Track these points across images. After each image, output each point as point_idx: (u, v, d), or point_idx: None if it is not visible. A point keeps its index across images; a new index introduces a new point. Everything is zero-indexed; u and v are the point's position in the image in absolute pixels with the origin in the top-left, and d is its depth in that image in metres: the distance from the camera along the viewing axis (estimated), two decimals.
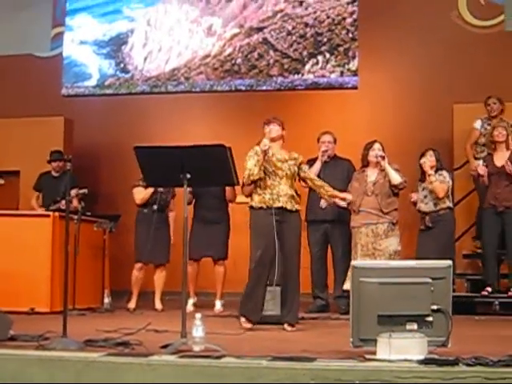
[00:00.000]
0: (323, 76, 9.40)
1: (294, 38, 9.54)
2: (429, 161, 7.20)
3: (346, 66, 9.30)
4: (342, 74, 9.33)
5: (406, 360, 3.52)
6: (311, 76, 9.44)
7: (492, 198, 7.44)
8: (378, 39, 9.67)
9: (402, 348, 3.61)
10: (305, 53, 9.48)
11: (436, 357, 3.57)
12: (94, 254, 7.92)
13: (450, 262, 3.95)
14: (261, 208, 5.86)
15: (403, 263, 4.45)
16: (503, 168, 7.31)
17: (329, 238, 7.63)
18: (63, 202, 7.90)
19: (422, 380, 3.27)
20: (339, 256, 7.52)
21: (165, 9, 10.24)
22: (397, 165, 6.96)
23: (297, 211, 5.91)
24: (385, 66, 9.87)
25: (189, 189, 4.64)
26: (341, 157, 7.79)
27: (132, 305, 7.71)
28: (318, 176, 6.73)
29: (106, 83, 10.20)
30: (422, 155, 7.26)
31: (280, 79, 9.54)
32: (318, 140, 7.67)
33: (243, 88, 9.70)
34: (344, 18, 9.42)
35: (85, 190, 7.89)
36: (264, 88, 9.63)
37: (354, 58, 9.31)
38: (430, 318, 3.84)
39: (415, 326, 3.83)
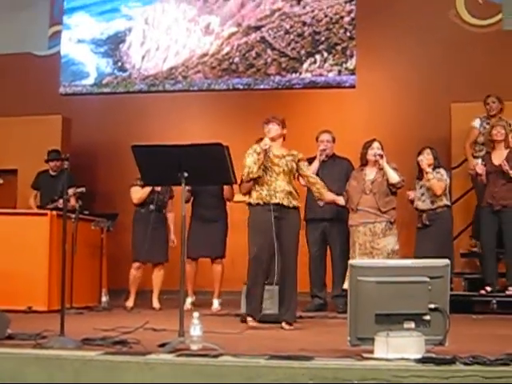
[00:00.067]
0: (321, 75, 9.40)
1: (291, 36, 9.55)
2: (426, 159, 7.20)
3: (344, 65, 9.31)
4: (339, 72, 9.33)
5: (403, 359, 3.52)
6: (309, 75, 9.45)
7: (489, 196, 7.46)
8: (375, 38, 9.67)
9: (400, 347, 3.61)
10: (302, 51, 9.48)
11: (433, 356, 3.57)
12: (91, 252, 7.91)
13: (447, 261, 3.94)
14: (258, 204, 5.85)
15: (401, 262, 4.45)
16: (501, 167, 7.32)
17: (327, 236, 7.63)
18: (61, 200, 7.88)
19: (419, 379, 3.27)
20: (337, 255, 7.52)
21: (162, 7, 10.24)
22: (395, 164, 6.96)
23: (295, 208, 5.89)
24: (383, 65, 9.88)
25: (187, 187, 4.64)
26: (340, 156, 7.78)
27: (130, 303, 7.71)
28: (317, 175, 6.72)
29: (104, 82, 10.20)
30: (420, 153, 7.27)
31: (278, 78, 9.55)
32: (317, 139, 7.66)
33: (241, 87, 9.71)
34: (342, 17, 9.44)
35: (82, 189, 7.88)
36: (262, 87, 9.64)
37: (351, 56, 9.31)
38: (428, 317, 3.83)
39: (413, 325, 3.82)
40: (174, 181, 4.56)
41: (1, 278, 6.95)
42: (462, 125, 8.49)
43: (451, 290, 4.25)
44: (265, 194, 5.84)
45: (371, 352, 3.70)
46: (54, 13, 10.29)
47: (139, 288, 7.85)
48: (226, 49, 9.78)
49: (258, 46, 9.65)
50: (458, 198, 8.39)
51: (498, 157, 7.47)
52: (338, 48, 9.37)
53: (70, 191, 7.78)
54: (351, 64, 9.29)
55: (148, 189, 7.62)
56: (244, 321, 6.00)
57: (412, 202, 7.37)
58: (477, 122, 8.26)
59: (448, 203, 7.33)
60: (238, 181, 6.38)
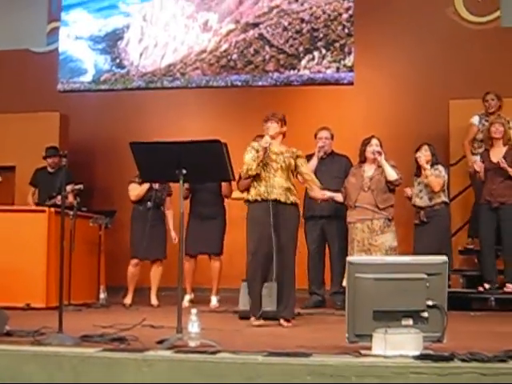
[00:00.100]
0: (319, 72, 9.40)
1: (289, 33, 9.54)
2: (424, 155, 7.20)
3: (342, 62, 9.31)
4: (337, 69, 9.33)
5: (401, 355, 3.52)
6: (307, 72, 9.45)
7: (487, 193, 7.46)
8: (373, 35, 9.66)
9: (398, 343, 3.62)
10: (301, 48, 9.48)
11: (431, 352, 3.57)
12: (89, 249, 7.91)
13: (445, 258, 3.95)
14: (256, 201, 5.85)
15: (399, 259, 4.45)
16: (499, 164, 7.32)
17: (325, 233, 7.63)
18: (59, 197, 7.88)
19: (417, 375, 3.28)
20: (336, 252, 7.52)
21: (161, 4, 10.23)
22: (393, 161, 6.95)
23: (293, 204, 5.87)
24: (381, 62, 9.87)
25: (186, 185, 4.63)
26: (338, 153, 7.78)
27: (128, 300, 7.71)
28: (315, 172, 6.72)
29: (102, 79, 10.20)
30: (418, 150, 7.27)
31: (276, 75, 9.55)
32: (315, 136, 7.65)
33: (239, 83, 9.70)
34: (340, 14, 9.43)
35: (80, 186, 7.87)
36: (260, 84, 9.63)
37: (349, 53, 9.31)
38: (426, 314, 3.84)
39: (411, 322, 3.83)
40: (172, 177, 4.56)
41: None
42: (460, 122, 8.50)
43: (449, 286, 4.25)
44: (263, 190, 5.83)
45: (369, 349, 3.70)
46: (52, 9, 10.26)
47: (137, 285, 7.85)
48: (224, 46, 9.78)
49: (256, 42, 9.65)
50: (456, 195, 8.40)
51: (497, 154, 7.48)
52: (336, 45, 9.37)
53: (68, 188, 7.78)
54: (349, 61, 9.29)
55: (146, 186, 7.62)
56: (242, 318, 6.00)
57: (409, 198, 7.37)
58: (476, 119, 8.26)
59: (446, 200, 7.33)
60: (237, 177, 6.42)
